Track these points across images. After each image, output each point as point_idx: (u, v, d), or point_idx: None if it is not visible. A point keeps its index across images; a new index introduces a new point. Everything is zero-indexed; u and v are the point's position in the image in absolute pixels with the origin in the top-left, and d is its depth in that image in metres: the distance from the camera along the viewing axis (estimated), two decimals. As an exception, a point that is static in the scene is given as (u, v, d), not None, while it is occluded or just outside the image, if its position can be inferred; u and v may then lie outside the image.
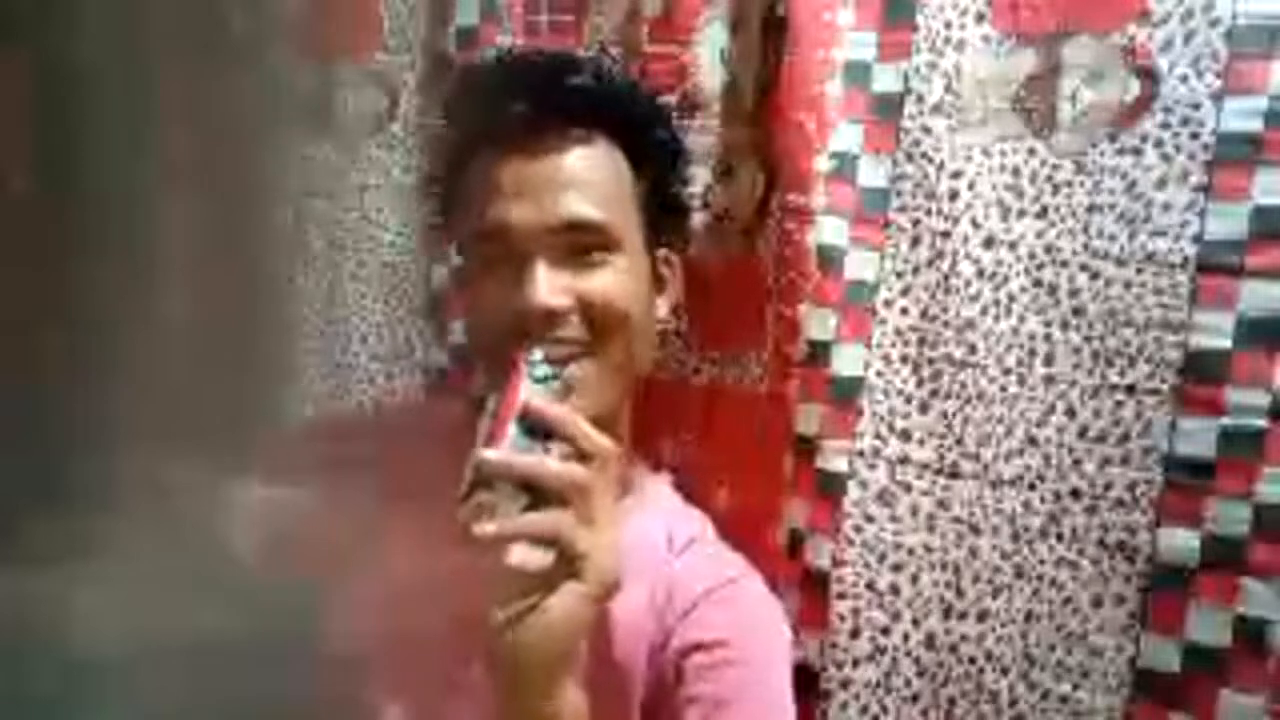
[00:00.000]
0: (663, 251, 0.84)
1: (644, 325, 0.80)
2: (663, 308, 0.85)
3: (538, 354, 0.68)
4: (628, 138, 0.79)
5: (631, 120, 0.80)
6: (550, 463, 0.62)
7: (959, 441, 0.84)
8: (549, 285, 0.73)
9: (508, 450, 0.62)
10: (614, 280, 0.76)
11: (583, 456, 0.63)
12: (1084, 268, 0.80)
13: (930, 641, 0.85)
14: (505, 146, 0.75)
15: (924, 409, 0.85)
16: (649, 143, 0.82)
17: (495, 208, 0.75)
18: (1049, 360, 0.81)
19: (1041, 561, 0.81)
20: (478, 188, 0.76)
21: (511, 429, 0.62)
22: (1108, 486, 0.79)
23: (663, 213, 0.83)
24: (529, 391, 0.64)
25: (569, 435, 0.63)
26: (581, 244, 0.75)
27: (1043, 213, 0.81)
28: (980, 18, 0.83)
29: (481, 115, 0.78)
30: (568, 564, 0.61)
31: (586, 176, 0.76)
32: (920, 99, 0.85)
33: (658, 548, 0.80)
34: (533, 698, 0.62)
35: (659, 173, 0.83)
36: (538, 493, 0.61)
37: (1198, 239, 0.76)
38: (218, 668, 0.73)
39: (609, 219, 0.76)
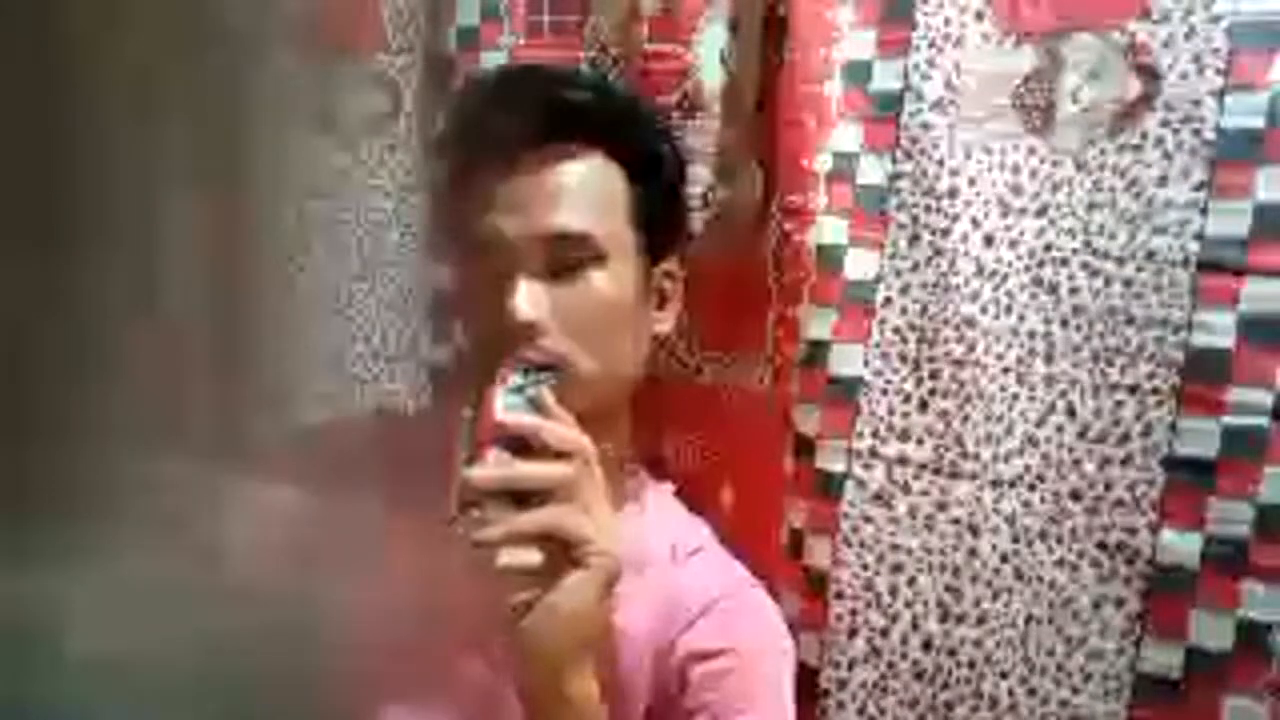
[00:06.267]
0: (665, 266, 0.84)
1: (629, 337, 0.80)
2: (665, 323, 0.85)
3: (513, 369, 0.70)
4: (627, 154, 0.79)
5: (631, 136, 0.80)
6: (525, 467, 0.64)
7: (958, 441, 0.83)
8: (530, 297, 0.73)
9: (489, 467, 0.64)
10: (596, 292, 0.76)
11: (562, 457, 0.64)
12: (1084, 266, 0.79)
13: (928, 644, 0.84)
14: (504, 160, 0.76)
15: (923, 408, 0.84)
16: (649, 158, 0.81)
17: (487, 219, 0.75)
18: (1049, 359, 0.80)
19: (1041, 563, 0.80)
20: (474, 200, 0.77)
21: (491, 450, 0.64)
22: (1108, 487, 0.78)
23: (663, 227, 0.83)
24: (502, 405, 0.66)
25: (541, 442, 0.64)
26: (568, 256, 0.75)
27: (1043, 211, 0.81)
28: (980, 15, 0.83)
29: (482, 128, 0.79)
30: (573, 551, 0.63)
31: (576, 189, 0.76)
32: (920, 97, 0.85)
33: (661, 557, 0.81)
34: (548, 689, 0.64)
35: (659, 188, 0.82)
36: (524, 499, 0.63)
37: (1199, 237, 0.75)
38: (217, 667, 0.73)
39: (595, 231, 0.76)
